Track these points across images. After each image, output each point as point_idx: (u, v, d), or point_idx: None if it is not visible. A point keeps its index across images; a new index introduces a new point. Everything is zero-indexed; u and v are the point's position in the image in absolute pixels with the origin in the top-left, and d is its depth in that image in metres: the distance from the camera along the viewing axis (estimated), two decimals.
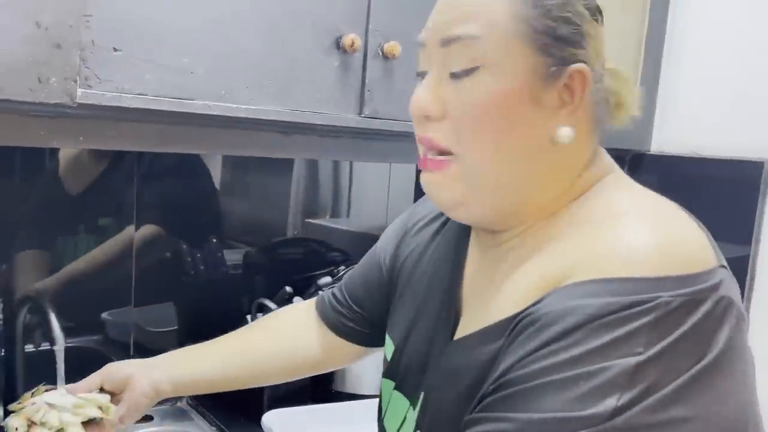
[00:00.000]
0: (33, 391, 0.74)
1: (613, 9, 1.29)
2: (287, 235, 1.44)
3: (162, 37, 0.78)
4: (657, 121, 1.43)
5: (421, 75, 0.58)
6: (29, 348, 1.09)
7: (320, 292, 1.22)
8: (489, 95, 0.53)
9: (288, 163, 1.43)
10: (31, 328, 1.08)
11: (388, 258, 0.76)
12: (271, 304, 1.22)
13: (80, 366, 1.03)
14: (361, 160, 1.44)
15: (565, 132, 0.54)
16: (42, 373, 1.07)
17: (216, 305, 1.31)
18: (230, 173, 1.35)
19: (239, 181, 1.37)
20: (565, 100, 0.55)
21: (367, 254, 0.82)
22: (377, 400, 0.73)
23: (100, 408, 0.71)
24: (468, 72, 0.54)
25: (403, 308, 0.70)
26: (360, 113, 0.97)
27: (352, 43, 0.92)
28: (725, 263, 0.52)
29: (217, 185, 1.34)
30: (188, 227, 1.28)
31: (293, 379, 0.88)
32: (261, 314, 1.23)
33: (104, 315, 1.20)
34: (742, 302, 0.51)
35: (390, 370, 0.69)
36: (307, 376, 0.88)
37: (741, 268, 1.19)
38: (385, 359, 0.71)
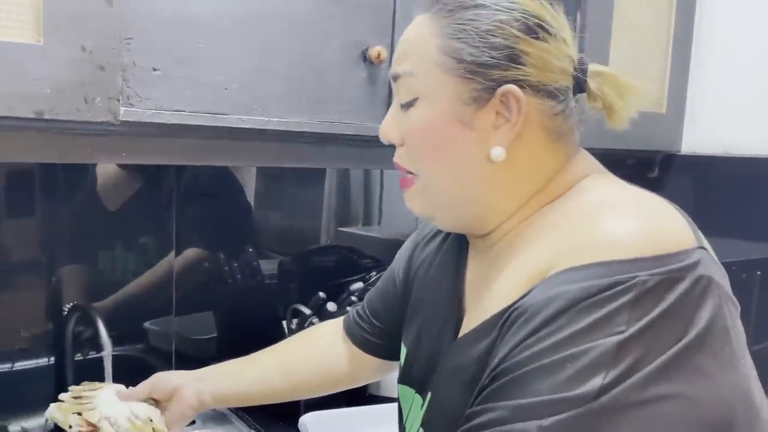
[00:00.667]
0: (84, 386, 0.77)
1: (637, 8, 1.30)
2: (320, 243, 1.48)
3: (197, 55, 0.82)
4: (687, 122, 1.42)
5: None
6: (77, 357, 1.14)
7: (352, 298, 1.26)
8: (425, 122, 0.60)
9: (320, 174, 1.46)
10: (78, 338, 1.13)
11: (402, 271, 0.80)
12: (305, 310, 1.25)
13: (125, 373, 1.08)
14: (390, 168, 1.46)
15: (496, 152, 0.58)
16: (91, 380, 1.12)
17: (253, 312, 1.36)
18: (264, 185, 1.39)
19: (273, 192, 1.41)
20: (506, 118, 0.57)
21: (386, 271, 0.86)
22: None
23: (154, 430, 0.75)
24: (410, 104, 0.61)
25: (415, 316, 0.73)
26: None
27: (379, 54, 0.95)
28: (707, 246, 0.53)
29: (251, 197, 1.38)
30: (225, 239, 1.32)
31: (327, 393, 0.91)
32: (296, 320, 1.26)
33: (147, 324, 1.25)
34: None
35: (404, 375, 0.72)
36: (340, 390, 0.91)
37: None
38: (399, 365, 0.74)
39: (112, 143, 0.81)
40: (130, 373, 1.16)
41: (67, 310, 1.12)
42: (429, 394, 0.65)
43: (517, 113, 0.57)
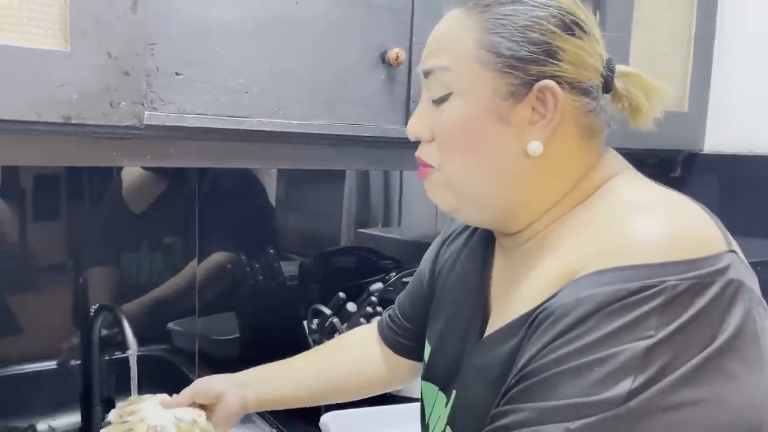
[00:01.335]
0: (131, 400, 0.79)
1: (657, 7, 1.29)
2: (340, 244, 1.49)
3: (218, 60, 0.83)
4: (710, 120, 1.41)
5: None
6: (103, 357, 1.17)
7: (372, 298, 1.26)
8: (460, 117, 0.59)
9: (340, 176, 1.48)
10: (104, 338, 1.16)
11: (428, 271, 0.80)
12: (326, 310, 1.26)
13: (149, 373, 1.10)
14: (409, 169, 1.47)
15: (534, 146, 0.58)
16: (117, 380, 1.14)
17: (274, 313, 1.37)
18: (285, 187, 1.40)
19: (294, 194, 1.42)
20: (542, 114, 0.58)
21: (415, 273, 0.86)
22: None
23: None
24: (444, 98, 0.60)
25: (439, 313, 0.73)
26: (406, 124, 1.00)
27: (397, 56, 0.96)
28: (736, 249, 0.52)
29: (272, 199, 1.39)
30: (247, 241, 1.34)
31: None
32: (316, 319, 1.27)
33: (170, 325, 1.27)
34: None
35: (427, 372, 0.72)
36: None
37: None
38: (423, 362, 0.75)
39: (136, 146, 0.82)
40: (154, 373, 1.18)
41: (93, 310, 1.14)
42: (454, 393, 0.65)
43: (553, 109, 0.57)
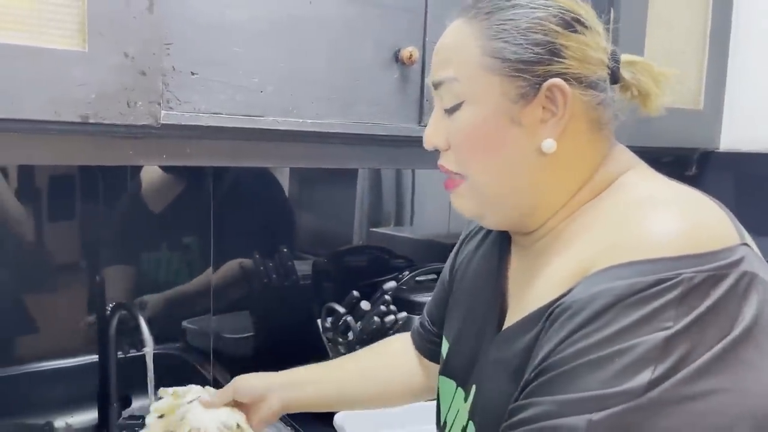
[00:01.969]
0: (173, 391, 0.79)
1: (674, 5, 1.28)
2: (353, 243, 1.49)
3: (233, 59, 0.84)
4: (725, 119, 1.40)
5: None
6: (120, 355, 1.18)
7: (385, 297, 1.27)
8: (473, 124, 0.61)
9: (352, 175, 1.48)
10: (121, 335, 1.17)
11: (448, 272, 0.81)
12: (339, 308, 1.26)
13: (165, 370, 1.11)
14: (422, 168, 1.47)
15: (548, 144, 0.59)
16: (133, 377, 1.15)
17: (288, 312, 1.38)
18: (298, 187, 1.41)
19: (307, 194, 1.43)
20: (552, 112, 0.58)
21: (440, 277, 0.87)
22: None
23: None
24: (456, 108, 0.62)
25: (457, 309, 0.74)
26: (419, 123, 1.01)
27: (410, 55, 0.96)
28: (750, 242, 0.53)
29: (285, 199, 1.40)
30: (261, 240, 1.35)
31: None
32: (330, 318, 1.27)
33: (185, 323, 1.28)
34: None
35: (445, 367, 0.73)
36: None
37: None
38: (441, 357, 0.75)
39: (152, 146, 0.83)
40: (169, 371, 1.19)
41: (110, 308, 1.15)
42: (474, 387, 0.66)
43: (563, 106, 0.58)
